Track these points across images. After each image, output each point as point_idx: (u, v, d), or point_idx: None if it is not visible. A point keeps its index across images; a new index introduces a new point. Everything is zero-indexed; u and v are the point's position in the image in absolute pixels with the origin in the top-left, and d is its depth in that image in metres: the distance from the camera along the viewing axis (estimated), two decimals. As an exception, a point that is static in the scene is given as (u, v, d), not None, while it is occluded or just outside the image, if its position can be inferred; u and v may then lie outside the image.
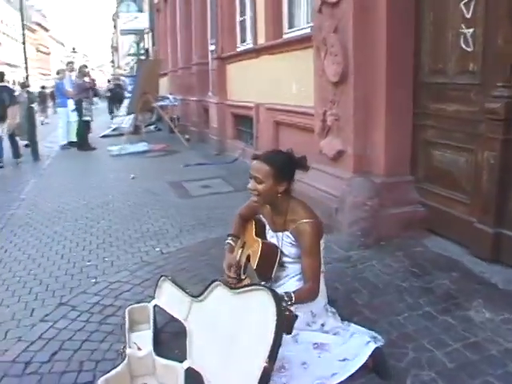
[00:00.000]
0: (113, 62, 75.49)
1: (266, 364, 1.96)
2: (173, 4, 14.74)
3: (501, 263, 3.46)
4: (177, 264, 4.25)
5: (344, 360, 2.50)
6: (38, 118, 17.90)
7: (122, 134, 12.97)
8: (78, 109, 12.20)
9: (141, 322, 3.06)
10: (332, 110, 4.65)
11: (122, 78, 28.31)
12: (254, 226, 3.00)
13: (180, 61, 13.82)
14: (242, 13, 8.77)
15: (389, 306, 3.17)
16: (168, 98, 14.32)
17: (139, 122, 13.94)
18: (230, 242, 3.11)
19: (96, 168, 9.96)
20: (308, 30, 5.82)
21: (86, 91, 12.42)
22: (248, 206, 3.07)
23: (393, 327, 2.92)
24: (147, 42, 23.74)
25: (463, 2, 3.61)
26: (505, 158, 3.33)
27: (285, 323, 2.10)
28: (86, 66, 13.87)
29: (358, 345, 2.57)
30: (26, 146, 11.87)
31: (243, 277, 2.88)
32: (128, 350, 2.65)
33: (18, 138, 11.19)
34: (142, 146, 11.49)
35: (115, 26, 48.41)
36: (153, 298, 3.20)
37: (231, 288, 2.46)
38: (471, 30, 3.58)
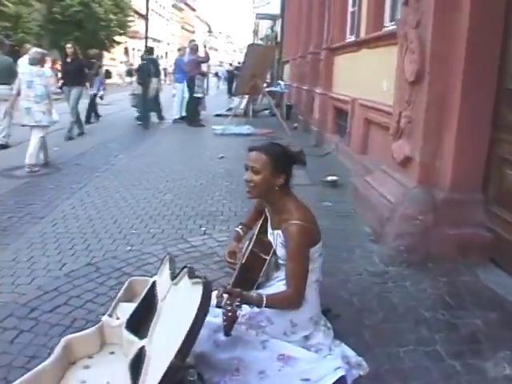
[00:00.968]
0: (252, 45, 77.34)
1: (172, 359, 1.81)
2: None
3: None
4: (210, 247, 4.18)
5: (306, 380, 2.30)
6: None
7: (235, 115, 13.14)
8: (190, 85, 12.54)
9: (140, 294, 3.01)
10: (406, 111, 4.28)
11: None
12: (261, 221, 2.84)
13: (300, 49, 13.71)
14: (354, 3, 8.38)
15: (397, 334, 2.85)
16: (279, 85, 14.27)
17: (256, 105, 14.05)
18: (238, 230, 2.98)
19: (195, 144, 10.19)
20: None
21: (198, 67, 12.70)
22: None
23: (388, 359, 2.62)
24: (278, 28, 23.91)
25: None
26: None
27: (201, 320, 1.94)
28: (194, 40, 14.22)
29: (326, 368, 2.35)
30: (137, 118, 12.72)
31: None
32: (104, 317, 2.64)
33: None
34: (246, 129, 11.59)
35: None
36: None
37: (190, 277, 2.31)
38: None
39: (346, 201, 5.61)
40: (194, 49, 13.14)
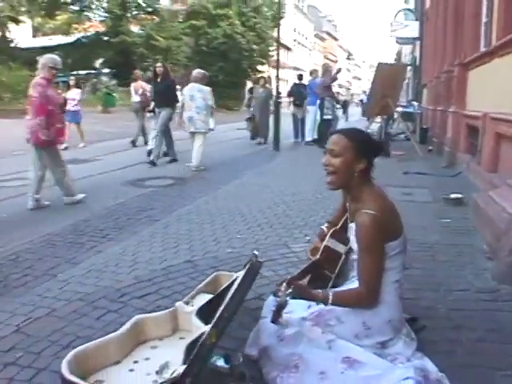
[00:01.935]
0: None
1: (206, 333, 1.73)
2: (438, 11, 14.07)
3: None
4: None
5: None
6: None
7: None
8: (320, 107, 12.56)
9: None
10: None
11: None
12: (345, 218, 2.68)
13: (435, 70, 13.13)
14: (488, 13, 7.79)
15: (497, 355, 2.50)
16: (413, 105, 13.71)
17: (391, 130, 13.68)
18: (323, 227, 2.84)
19: (319, 163, 10.12)
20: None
21: (328, 89, 12.67)
22: None
23: (479, 381, 2.31)
24: (417, 52, 23.18)
25: None
26: None
27: (239, 294, 1.90)
28: (327, 64, 14.21)
29: (394, 377, 2.11)
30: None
31: None
32: (178, 303, 2.67)
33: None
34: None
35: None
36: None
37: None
38: None
39: (468, 218, 5.17)
40: (327, 71, 13.16)
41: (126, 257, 4.07)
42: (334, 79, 13.16)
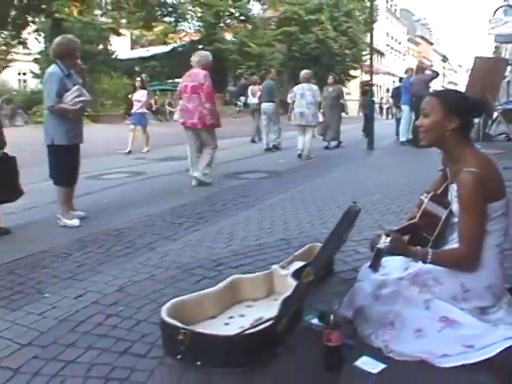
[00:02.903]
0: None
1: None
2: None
3: None
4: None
5: (469, 347, 2.01)
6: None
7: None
8: (414, 106, 12.10)
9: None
10: None
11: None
12: (445, 185, 2.56)
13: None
14: None
15: None
16: (515, 102, 12.86)
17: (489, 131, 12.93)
18: (422, 197, 2.71)
19: (414, 161, 9.79)
20: None
21: (426, 87, 12.18)
22: None
23: None
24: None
25: None
26: None
27: (337, 234, 1.88)
28: (421, 61, 13.69)
29: (495, 336, 2.01)
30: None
31: None
32: (274, 266, 2.67)
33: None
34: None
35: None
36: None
37: None
38: None
39: None
40: (422, 69, 12.71)
41: (221, 235, 4.16)
42: (435, 76, 12.68)
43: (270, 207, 5.23)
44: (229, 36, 34.14)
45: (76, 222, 4.61)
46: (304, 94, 9.53)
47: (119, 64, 30.84)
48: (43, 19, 27.23)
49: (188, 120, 6.59)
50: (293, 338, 2.26)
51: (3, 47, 27.57)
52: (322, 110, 11.89)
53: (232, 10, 33.92)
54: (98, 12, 30.03)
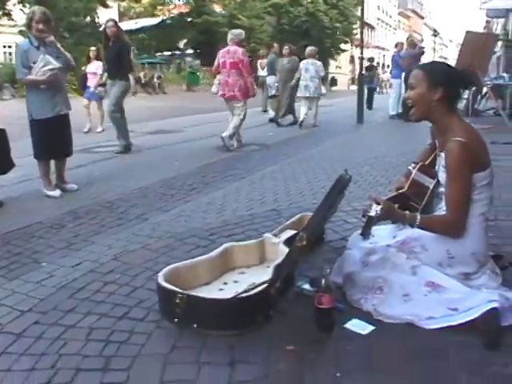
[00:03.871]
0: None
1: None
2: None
3: None
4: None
5: (453, 310, 2.12)
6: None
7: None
8: (405, 80, 12.11)
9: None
10: None
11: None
12: (433, 155, 2.64)
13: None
14: None
15: None
16: (503, 77, 12.89)
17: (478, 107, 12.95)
18: (410, 167, 2.79)
19: (403, 134, 9.87)
20: None
21: (416, 61, 12.17)
22: None
23: None
24: (510, 25, 21.73)
25: None
26: None
27: (327, 201, 1.99)
28: (411, 36, 13.62)
29: (478, 299, 2.11)
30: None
31: None
32: (266, 234, 2.74)
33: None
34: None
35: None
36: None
37: None
38: None
39: None
40: (412, 43, 12.69)
41: (213, 206, 4.22)
42: (422, 53, 12.69)
43: (261, 179, 5.30)
44: (218, 8, 33.71)
45: (57, 192, 4.70)
46: (308, 69, 10.61)
47: (106, 36, 30.28)
48: (27, -10, 26.65)
49: (228, 93, 7.45)
50: (285, 302, 2.35)
51: (-13, 19, 27.02)
52: (276, 84, 11.58)
53: (222, -18, 33.47)
54: (84, -18, 29.33)
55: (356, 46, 43.65)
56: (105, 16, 31.27)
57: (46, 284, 2.71)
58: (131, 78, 7.36)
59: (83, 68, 10.71)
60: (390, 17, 65.41)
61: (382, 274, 2.29)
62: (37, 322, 2.28)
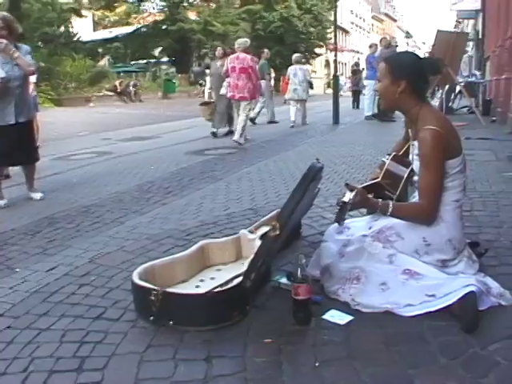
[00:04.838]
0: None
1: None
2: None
3: None
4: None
5: (431, 296, 2.13)
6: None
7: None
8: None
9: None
10: None
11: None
12: (407, 146, 2.66)
13: (499, 39, 12.48)
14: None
15: None
16: (475, 75, 13.13)
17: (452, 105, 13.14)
18: (384, 159, 2.80)
19: (379, 134, 9.93)
20: None
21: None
22: None
23: None
24: (479, 25, 22.14)
25: None
26: None
27: (299, 192, 2.06)
28: (385, 38, 13.74)
29: (455, 285, 2.12)
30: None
31: None
32: (242, 231, 2.71)
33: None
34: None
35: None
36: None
37: None
38: None
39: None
40: (386, 45, 12.82)
41: (190, 207, 4.20)
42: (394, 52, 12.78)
43: (238, 180, 5.29)
44: (193, 16, 33.70)
45: (2, 202, 4.61)
46: (296, 74, 11.49)
47: (82, 46, 30.17)
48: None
49: (237, 94, 8.41)
50: (262, 297, 2.34)
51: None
52: (208, 90, 11.00)
53: (196, -11, 33.49)
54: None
55: (331, 50, 44.03)
56: (79, 26, 31.17)
57: (19, 289, 2.65)
58: None
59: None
60: (364, 20, 66.10)
61: (359, 264, 2.29)
62: (9, 327, 2.23)
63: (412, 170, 2.44)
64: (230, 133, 9.52)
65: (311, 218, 3.53)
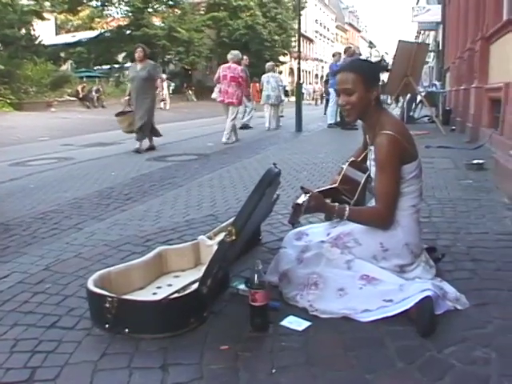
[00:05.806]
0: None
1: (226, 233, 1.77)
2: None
3: None
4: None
5: (388, 301, 2.15)
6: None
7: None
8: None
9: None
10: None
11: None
12: (365, 153, 2.69)
13: (458, 51, 12.88)
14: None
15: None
16: (435, 85, 13.48)
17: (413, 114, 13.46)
18: (342, 165, 2.84)
19: (341, 141, 10.06)
20: None
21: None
22: None
23: (494, 298, 2.35)
24: (440, 37, 22.80)
25: None
26: None
27: (254, 196, 2.01)
28: (350, 47, 13.94)
29: (412, 290, 2.16)
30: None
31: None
32: (200, 237, 2.69)
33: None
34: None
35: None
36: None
37: None
38: None
39: (489, 180, 5.17)
40: (350, 54, 13.00)
41: (149, 213, 4.15)
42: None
43: (198, 186, 5.26)
44: (157, 21, 33.49)
45: None
46: (269, 81, 12.74)
47: (43, 50, 29.59)
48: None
49: (227, 99, 9.58)
50: (220, 303, 2.33)
51: None
52: (127, 97, 8.51)
53: (160, -6, 33.29)
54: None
55: (295, 59, 44.42)
56: (41, 29, 30.54)
57: (-32, 299, 2.56)
58: None
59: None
60: (328, 30, 67.05)
61: (317, 269, 2.30)
62: (-44, 338, 2.14)
63: (369, 176, 2.48)
64: (151, 149, 8.54)
65: (271, 224, 3.54)
